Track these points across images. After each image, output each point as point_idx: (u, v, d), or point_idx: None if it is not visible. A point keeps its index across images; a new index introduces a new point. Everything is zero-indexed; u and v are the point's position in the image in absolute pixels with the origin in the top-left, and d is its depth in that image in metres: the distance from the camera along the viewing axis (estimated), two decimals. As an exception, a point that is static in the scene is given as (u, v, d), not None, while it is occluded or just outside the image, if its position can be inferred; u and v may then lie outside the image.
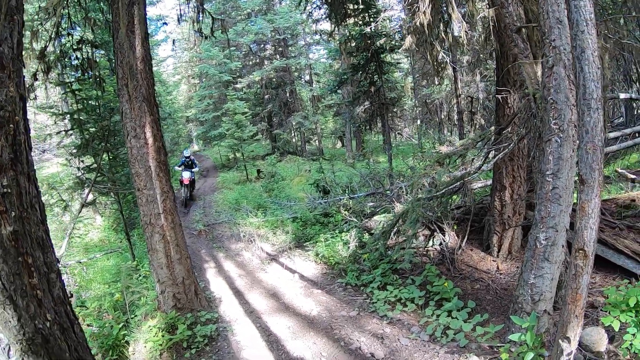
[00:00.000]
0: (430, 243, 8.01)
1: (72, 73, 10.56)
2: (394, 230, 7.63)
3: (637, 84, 15.67)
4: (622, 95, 11.60)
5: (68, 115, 11.47)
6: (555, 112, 4.52)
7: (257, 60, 30.54)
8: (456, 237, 7.90)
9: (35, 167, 2.86)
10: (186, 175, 15.92)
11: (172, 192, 6.59)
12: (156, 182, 6.24)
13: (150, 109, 6.19)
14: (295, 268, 8.86)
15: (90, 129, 11.04)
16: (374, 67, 17.51)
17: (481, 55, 16.47)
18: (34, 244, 2.56)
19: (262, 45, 30.34)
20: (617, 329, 3.74)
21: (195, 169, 16.66)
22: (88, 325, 6.58)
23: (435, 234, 7.99)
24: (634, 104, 14.59)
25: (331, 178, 14.04)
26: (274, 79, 29.08)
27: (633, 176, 8.82)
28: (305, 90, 32.21)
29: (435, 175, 6.69)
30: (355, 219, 9.67)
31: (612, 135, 11.15)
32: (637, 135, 11.10)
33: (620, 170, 9.30)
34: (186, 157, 16.32)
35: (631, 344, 3.65)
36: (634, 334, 3.65)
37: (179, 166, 16.35)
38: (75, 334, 2.79)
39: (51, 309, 2.60)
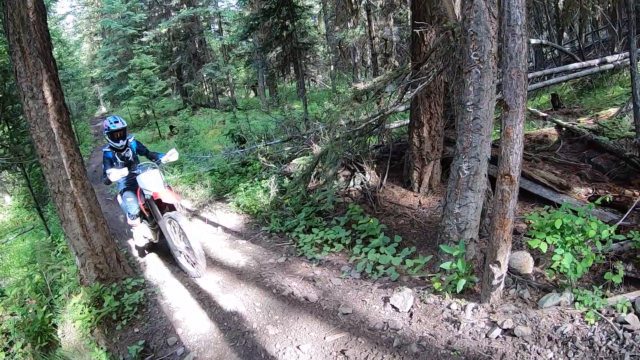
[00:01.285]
0: (352, 183, 8.03)
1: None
2: (314, 172, 7.56)
3: (547, 31, 16.84)
4: (533, 41, 12.36)
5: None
6: (476, 43, 4.49)
7: (163, 11, 28.76)
8: (377, 176, 7.96)
9: None
10: (156, 182, 6.28)
11: (80, 155, 5.93)
12: (60, 146, 5.60)
13: (47, 64, 5.45)
14: (217, 221, 8.58)
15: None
16: (286, 11, 17.03)
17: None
18: None
19: (169, -5, 28.50)
20: (544, 251, 3.89)
21: (166, 156, 6.62)
22: (11, 314, 5.97)
23: (355, 173, 8.00)
24: (544, 50, 15.76)
25: (246, 127, 13.65)
26: (182, 30, 27.59)
27: (544, 114, 9.49)
28: (215, 41, 30.95)
29: (353, 112, 6.59)
30: (274, 165, 9.49)
31: (523, 77, 11.85)
32: (546, 77, 11.98)
33: (532, 109, 9.85)
34: (117, 135, 6.39)
35: (560, 265, 3.81)
36: (562, 255, 3.82)
37: (112, 164, 6.50)
38: None
39: None
